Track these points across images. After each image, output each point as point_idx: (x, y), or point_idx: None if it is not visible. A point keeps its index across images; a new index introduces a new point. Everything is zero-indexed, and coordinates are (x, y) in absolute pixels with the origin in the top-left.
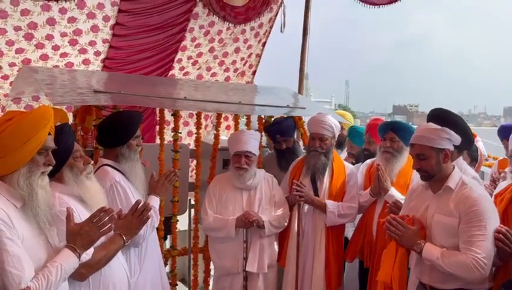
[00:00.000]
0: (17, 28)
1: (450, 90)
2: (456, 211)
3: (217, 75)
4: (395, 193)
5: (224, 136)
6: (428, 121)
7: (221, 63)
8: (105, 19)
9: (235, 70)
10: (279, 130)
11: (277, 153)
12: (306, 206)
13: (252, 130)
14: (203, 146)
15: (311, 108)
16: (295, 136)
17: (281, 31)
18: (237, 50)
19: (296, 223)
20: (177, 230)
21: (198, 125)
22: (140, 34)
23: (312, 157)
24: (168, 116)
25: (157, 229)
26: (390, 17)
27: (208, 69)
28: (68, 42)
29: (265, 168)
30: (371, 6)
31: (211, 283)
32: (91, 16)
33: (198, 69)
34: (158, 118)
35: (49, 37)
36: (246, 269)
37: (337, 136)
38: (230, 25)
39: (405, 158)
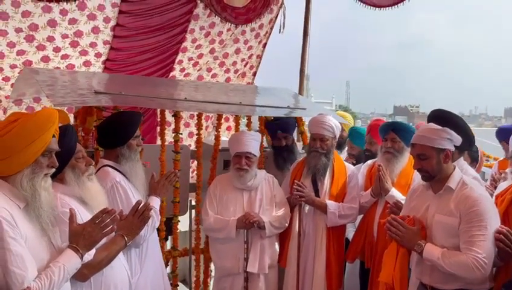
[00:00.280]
0: (18, 30)
1: (451, 91)
2: (457, 211)
3: (217, 76)
4: (396, 194)
5: (225, 137)
6: (428, 121)
7: (222, 64)
8: (106, 20)
9: (236, 71)
10: (281, 125)
11: (275, 151)
12: (307, 207)
13: (252, 131)
14: (204, 147)
15: (311, 109)
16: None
17: (280, 32)
18: (238, 51)
19: (297, 224)
20: (178, 231)
21: (199, 126)
22: (141, 35)
23: (313, 157)
24: (168, 117)
25: (158, 229)
26: (391, 18)
27: (209, 70)
28: (69, 44)
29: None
30: (372, 7)
31: (210, 283)
32: (92, 17)
33: (198, 70)
34: (159, 119)
35: (50, 39)
36: (247, 270)
37: (337, 136)
38: (230, 26)
39: (406, 159)
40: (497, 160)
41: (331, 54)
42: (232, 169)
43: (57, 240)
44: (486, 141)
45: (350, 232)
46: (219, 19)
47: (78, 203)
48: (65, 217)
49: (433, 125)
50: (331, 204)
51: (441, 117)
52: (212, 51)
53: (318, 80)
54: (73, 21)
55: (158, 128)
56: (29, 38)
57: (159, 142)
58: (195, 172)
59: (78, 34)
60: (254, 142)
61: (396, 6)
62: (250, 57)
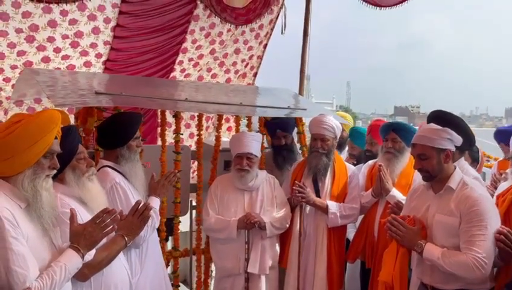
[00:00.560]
0: (18, 30)
1: (452, 92)
2: (457, 211)
3: (217, 76)
4: (396, 194)
5: (225, 138)
6: (428, 122)
7: (222, 64)
8: (106, 20)
9: (236, 71)
10: (280, 124)
11: (274, 150)
12: (308, 208)
13: (253, 132)
14: (205, 147)
15: (312, 109)
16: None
17: (282, 33)
18: (237, 51)
19: (298, 225)
20: (179, 231)
21: (199, 126)
22: (141, 36)
23: (314, 158)
24: (169, 118)
25: (159, 230)
26: (391, 18)
27: (209, 70)
28: (69, 44)
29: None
30: (376, 7)
31: (210, 284)
32: (92, 17)
33: (199, 70)
34: (159, 120)
35: (51, 39)
36: (248, 270)
37: (338, 137)
38: (231, 26)
39: (406, 159)
40: (497, 160)
41: (331, 55)
42: (233, 170)
43: (58, 240)
44: (487, 142)
45: (350, 233)
46: (219, 19)
47: (78, 204)
48: (65, 218)
49: (433, 125)
50: (332, 204)
51: (440, 117)
52: (212, 52)
53: (319, 81)
54: (73, 22)
55: (159, 129)
56: (30, 39)
57: (159, 142)
58: (196, 173)
59: (79, 34)
60: (255, 143)
61: (399, 5)
62: (250, 57)
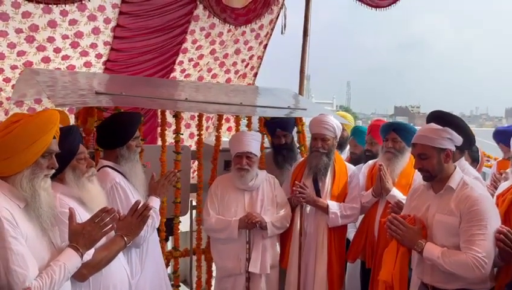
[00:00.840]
0: (18, 31)
1: (452, 92)
2: (457, 211)
3: (217, 76)
4: (397, 193)
5: (225, 138)
6: (428, 122)
7: (222, 65)
8: (106, 21)
9: (236, 72)
10: (280, 124)
11: (274, 149)
12: (308, 207)
13: (252, 131)
14: (205, 147)
15: (312, 109)
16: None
17: (282, 33)
18: (238, 52)
19: (298, 224)
20: (179, 231)
21: (199, 126)
22: (141, 36)
23: (314, 157)
24: (169, 118)
25: (159, 230)
26: (391, 18)
27: (209, 70)
28: (69, 45)
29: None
30: (371, 8)
31: (213, 284)
32: (92, 18)
33: (199, 71)
34: (159, 120)
35: (51, 40)
36: (249, 270)
37: (339, 136)
38: (231, 27)
39: (407, 159)
40: (497, 160)
41: (331, 55)
42: (233, 169)
43: (57, 239)
44: (487, 142)
45: (351, 233)
46: (218, 20)
47: (77, 204)
48: (64, 218)
49: (434, 125)
50: (333, 204)
51: (440, 117)
52: (212, 52)
53: (319, 81)
54: (73, 22)
55: (159, 129)
56: (30, 39)
57: (159, 142)
58: (196, 173)
59: (79, 34)
60: (255, 142)
61: (393, 5)
62: (250, 57)
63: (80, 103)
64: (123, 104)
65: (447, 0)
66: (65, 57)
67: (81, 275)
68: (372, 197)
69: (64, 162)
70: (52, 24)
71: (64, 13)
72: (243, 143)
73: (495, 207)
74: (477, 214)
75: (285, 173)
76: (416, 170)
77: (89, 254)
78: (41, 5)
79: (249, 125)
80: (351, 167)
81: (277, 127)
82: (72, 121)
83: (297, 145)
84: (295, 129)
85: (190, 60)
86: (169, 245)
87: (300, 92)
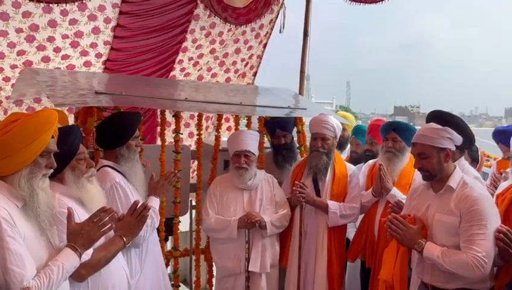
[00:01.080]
0: (18, 30)
1: (452, 91)
2: (457, 210)
3: (217, 76)
4: (397, 193)
5: (225, 138)
6: (427, 122)
7: (222, 64)
8: (107, 20)
9: (236, 71)
10: (280, 124)
11: (274, 149)
12: (308, 207)
13: (251, 130)
14: (204, 147)
15: (312, 109)
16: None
17: (280, 32)
18: (238, 51)
19: (298, 224)
20: (179, 231)
21: (199, 126)
22: (142, 36)
23: (314, 157)
24: (169, 117)
25: (159, 230)
26: (391, 18)
27: (209, 69)
28: (69, 44)
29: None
30: (360, 3)
31: (214, 283)
32: (92, 17)
33: (199, 70)
34: (159, 120)
35: (51, 39)
36: (249, 269)
37: (338, 136)
38: (231, 26)
39: (407, 158)
40: (496, 160)
41: (331, 55)
42: (231, 168)
43: (55, 239)
44: (487, 141)
45: (351, 232)
46: (219, 19)
47: (76, 204)
48: (62, 218)
49: (434, 124)
50: (332, 204)
51: (440, 117)
52: (212, 51)
53: (318, 81)
54: (73, 21)
55: (158, 128)
56: (30, 39)
57: (159, 142)
58: (196, 172)
59: (79, 34)
60: (253, 141)
61: (380, 2)
62: (250, 57)
63: (79, 102)
64: (123, 104)
65: (447, 0)
66: (65, 57)
67: (79, 275)
68: (372, 196)
69: (64, 162)
70: (52, 24)
71: (64, 13)
72: (241, 142)
73: (495, 207)
74: (477, 213)
75: (285, 172)
76: (416, 170)
77: (87, 254)
78: (42, 5)
79: (248, 125)
80: (350, 167)
81: (277, 127)
82: (71, 120)
83: (297, 145)
84: (295, 129)
85: (190, 59)
86: (168, 245)
87: (301, 92)
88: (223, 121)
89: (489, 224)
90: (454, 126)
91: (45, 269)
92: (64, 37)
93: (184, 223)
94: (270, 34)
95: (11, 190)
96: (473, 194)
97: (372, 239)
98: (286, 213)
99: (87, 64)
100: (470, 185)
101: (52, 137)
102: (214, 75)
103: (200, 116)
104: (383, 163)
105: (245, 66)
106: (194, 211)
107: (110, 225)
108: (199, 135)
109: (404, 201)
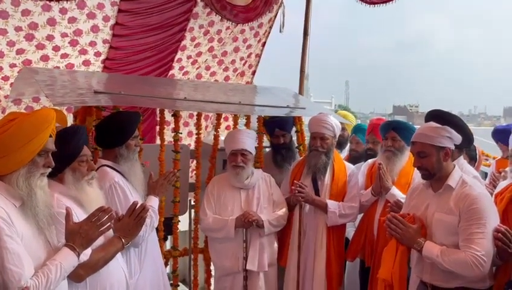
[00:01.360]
0: (17, 29)
1: (450, 91)
2: (456, 209)
3: (216, 74)
4: (396, 192)
5: (224, 137)
6: (426, 121)
7: (220, 62)
8: (105, 19)
9: (235, 70)
10: (279, 123)
11: (273, 148)
12: (307, 206)
13: (247, 129)
14: (204, 147)
15: (311, 108)
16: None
17: (280, 31)
18: (236, 50)
19: (298, 223)
20: (178, 231)
21: (198, 125)
22: (140, 34)
23: (313, 156)
24: (168, 116)
25: (157, 229)
26: (390, 18)
27: (207, 68)
28: (68, 43)
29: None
30: (369, 5)
31: (212, 283)
32: (91, 16)
33: (197, 68)
34: (158, 119)
35: (50, 38)
36: (247, 268)
37: (337, 136)
38: (230, 24)
39: (406, 157)
40: (495, 159)
41: (330, 54)
42: (228, 167)
43: (54, 238)
44: (486, 140)
45: (350, 232)
46: (218, 17)
47: (75, 205)
48: (61, 218)
49: (433, 123)
50: (332, 203)
51: (439, 116)
52: (211, 50)
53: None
54: (72, 20)
55: (157, 127)
56: (29, 37)
57: (158, 141)
58: (195, 172)
59: (78, 32)
60: (249, 140)
61: (391, 2)
62: (249, 56)
63: (78, 102)
64: (122, 103)
65: (447, 0)
66: (64, 56)
67: (77, 275)
68: (371, 196)
69: (66, 162)
70: (52, 22)
71: (63, 11)
72: (238, 141)
73: (494, 206)
74: (476, 212)
75: (285, 172)
76: (416, 169)
77: (85, 255)
78: (41, 3)
79: (247, 125)
80: (350, 166)
81: (276, 127)
82: (70, 120)
83: (296, 144)
84: (294, 129)
85: (189, 57)
86: (168, 244)
87: (300, 92)
88: (222, 120)
89: (488, 223)
90: (454, 125)
91: (43, 269)
92: (64, 35)
93: (183, 223)
94: (269, 33)
95: (9, 189)
96: (472, 193)
97: (371, 238)
98: (284, 212)
99: (86, 63)
100: (469, 184)
101: (50, 136)
102: (212, 74)
103: (199, 115)
104: (382, 162)
105: (244, 64)
106: (193, 211)
107: (108, 224)
108: (198, 134)
109: (403, 200)
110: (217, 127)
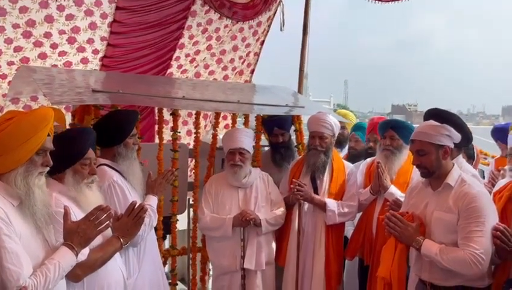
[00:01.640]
0: (15, 26)
1: (449, 90)
2: (455, 208)
3: (214, 73)
4: (395, 191)
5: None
6: (425, 120)
7: (219, 61)
8: (103, 16)
9: (233, 68)
10: (277, 122)
11: (272, 147)
12: (306, 205)
13: (245, 128)
14: (202, 146)
15: (310, 107)
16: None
17: (281, 30)
18: (235, 48)
19: (297, 222)
20: (176, 230)
21: (197, 124)
22: (138, 32)
23: (312, 155)
24: (166, 115)
25: (156, 228)
26: (389, 17)
27: (206, 66)
28: (66, 40)
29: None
30: (377, 2)
31: (206, 281)
32: (89, 13)
33: (196, 66)
34: (157, 118)
35: (48, 35)
36: (244, 267)
37: (336, 135)
38: (228, 23)
39: (405, 156)
40: (494, 158)
41: (329, 53)
42: (226, 166)
43: (52, 237)
44: (484, 139)
45: (349, 230)
46: (217, 15)
47: (73, 204)
48: (59, 217)
49: (432, 122)
50: (330, 202)
51: (438, 115)
52: (209, 48)
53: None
54: (70, 17)
55: (156, 126)
56: (27, 35)
57: (157, 140)
58: (194, 171)
59: (75, 30)
60: (247, 139)
61: (397, 1)
62: (248, 54)
63: (76, 100)
64: (120, 102)
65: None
66: (62, 53)
67: (75, 275)
68: (370, 194)
69: (68, 163)
70: (49, 19)
71: (61, 8)
72: (236, 139)
73: (493, 204)
74: (475, 211)
75: (284, 171)
76: (414, 168)
77: (83, 254)
78: (38, 0)
79: (246, 124)
80: (349, 165)
81: (274, 126)
82: (68, 119)
83: (295, 143)
84: (292, 127)
85: (187, 55)
86: (166, 244)
87: (300, 91)
88: (220, 119)
89: (487, 221)
90: (452, 124)
91: (42, 268)
92: (61, 32)
93: (182, 222)
94: (268, 31)
95: (7, 188)
96: (471, 192)
97: (370, 237)
98: (282, 211)
99: (84, 61)
100: (468, 182)
101: (48, 135)
102: (211, 73)
103: (197, 114)
104: (380, 161)
105: (242, 63)
106: (191, 210)
107: (106, 223)
108: (197, 133)
109: (402, 199)
110: (215, 126)
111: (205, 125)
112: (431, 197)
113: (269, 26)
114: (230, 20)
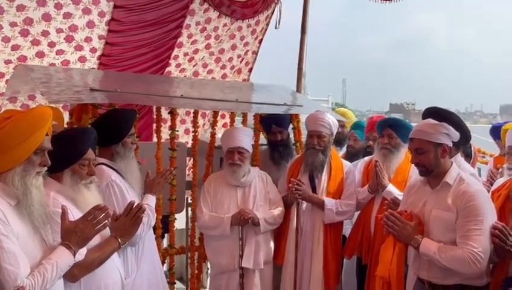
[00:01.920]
0: (13, 24)
1: (447, 89)
2: (454, 206)
3: (213, 72)
4: (393, 190)
5: (221, 135)
6: (423, 118)
7: (218, 60)
8: (101, 14)
9: (232, 67)
10: (275, 120)
11: (270, 146)
12: (304, 204)
13: (244, 127)
14: (201, 144)
15: (308, 106)
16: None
17: (276, 28)
18: (234, 47)
19: (295, 221)
20: (175, 229)
21: (195, 123)
22: (136, 30)
23: (310, 154)
24: (164, 114)
25: (154, 227)
26: (387, 16)
27: (204, 65)
28: (64, 39)
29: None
30: (375, 0)
31: (203, 279)
32: (87, 11)
33: (194, 65)
34: (155, 116)
35: (45, 34)
36: (242, 265)
37: (335, 134)
38: (227, 21)
39: (403, 155)
40: (493, 156)
41: (327, 52)
42: (225, 165)
43: (49, 237)
44: (482, 138)
45: (347, 229)
46: (215, 14)
47: (71, 204)
48: (57, 217)
49: (431, 120)
50: (329, 201)
51: (436, 114)
52: (208, 47)
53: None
54: (68, 15)
55: (154, 125)
56: (24, 33)
57: (155, 139)
58: (192, 170)
59: (73, 28)
60: (246, 138)
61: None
62: (246, 53)
63: (74, 99)
64: (118, 101)
65: None
66: (60, 52)
67: (72, 275)
68: (368, 193)
69: (67, 162)
70: (47, 17)
71: (58, 6)
72: (235, 138)
73: (491, 203)
74: (473, 209)
75: (282, 169)
76: (412, 166)
77: (81, 254)
78: None
79: (244, 122)
80: (347, 164)
81: (272, 123)
82: (66, 118)
83: (293, 141)
84: (290, 126)
85: (185, 54)
86: (164, 242)
87: (298, 89)
88: (218, 118)
89: (486, 220)
90: (451, 122)
91: (39, 268)
92: (59, 31)
93: (180, 221)
94: (266, 30)
95: (4, 188)
96: (470, 190)
97: (368, 236)
98: (280, 210)
99: (82, 59)
100: (467, 181)
101: (47, 134)
102: (210, 72)
103: (195, 113)
104: (378, 159)
105: (241, 62)
106: (190, 209)
107: (104, 222)
108: (195, 132)
109: (400, 198)
110: (213, 124)
111: (203, 124)
112: (429, 196)
113: (267, 24)
114: (229, 19)
